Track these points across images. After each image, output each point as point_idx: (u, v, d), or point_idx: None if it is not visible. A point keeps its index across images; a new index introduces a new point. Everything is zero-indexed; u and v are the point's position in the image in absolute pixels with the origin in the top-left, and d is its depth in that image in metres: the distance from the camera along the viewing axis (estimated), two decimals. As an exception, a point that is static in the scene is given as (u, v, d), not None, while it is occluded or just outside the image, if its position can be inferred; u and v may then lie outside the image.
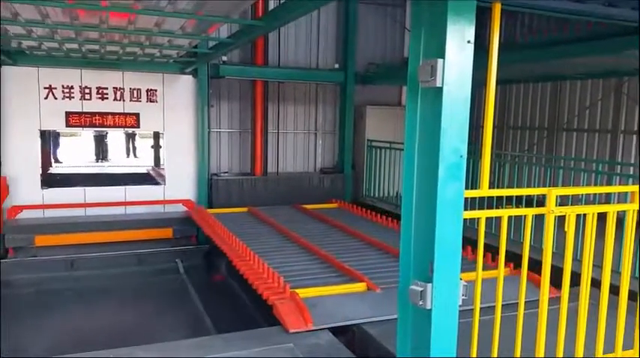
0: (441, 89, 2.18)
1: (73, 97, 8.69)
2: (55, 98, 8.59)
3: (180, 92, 9.38)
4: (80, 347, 4.75)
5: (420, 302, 2.34)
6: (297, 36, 10.33)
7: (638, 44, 5.07)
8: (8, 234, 8.11)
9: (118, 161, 17.92)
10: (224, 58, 9.40)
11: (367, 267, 5.39)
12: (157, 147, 16.05)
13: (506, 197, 6.56)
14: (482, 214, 2.73)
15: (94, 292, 7.17)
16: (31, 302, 6.85)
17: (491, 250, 5.51)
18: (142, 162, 16.18)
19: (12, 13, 5.08)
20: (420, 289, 2.34)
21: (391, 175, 9.55)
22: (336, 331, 3.82)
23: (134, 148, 11.78)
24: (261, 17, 6.76)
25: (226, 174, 10.02)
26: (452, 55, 2.18)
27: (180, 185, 9.54)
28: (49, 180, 9.05)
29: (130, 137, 11.28)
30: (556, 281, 3.06)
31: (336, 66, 10.45)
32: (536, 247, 3.76)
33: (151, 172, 13.92)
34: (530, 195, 6.02)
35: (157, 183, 9.75)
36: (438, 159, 2.20)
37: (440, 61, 2.17)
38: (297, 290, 4.39)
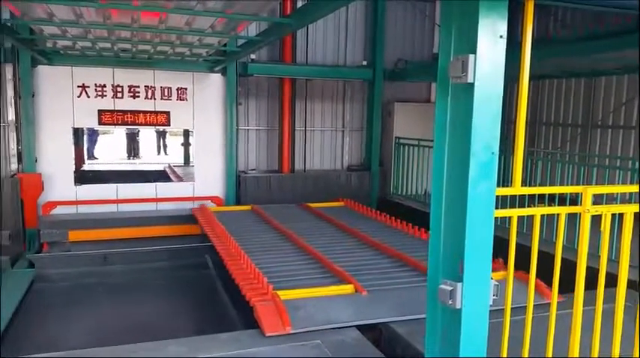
0: (472, 85, 2.14)
1: (106, 96, 8.88)
2: (88, 96, 8.79)
3: (209, 90, 9.48)
4: (109, 339, 4.86)
5: (450, 302, 2.31)
6: (325, 33, 10.32)
7: (638, 43, 4.99)
8: (43, 229, 8.34)
9: (149, 158, 18.26)
10: (252, 56, 9.45)
11: (358, 268, 5.23)
12: (186, 144, 16.32)
13: (538, 195, 6.43)
14: (514, 213, 2.66)
15: (125, 286, 7.31)
16: (65, 295, 7.02)
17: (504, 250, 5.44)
18: (172, 160, 16.47)
19: (47, 13, 5.21)
20: (450, 288, 2.30)
21: (419, 173, 9.46)
22: (363, 329, 3.79)
23: (164, 146, 11.98)
24: (289, 15, 6.77)
25: (254, 172, 10.09)
26: (484, 50, 2.14)
27: (209, 182, 9.66)
28: (82, 177, 9.26)
29: (161, 135, 11.47)
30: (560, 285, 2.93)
31: (364, 63, 10.39)
32: (568, 247, 3.66)
33: (167, 170, 14.17)
34: (562, 194, 5.89)
35: (170, 180, 10.02)
36: (469, 156, 2.16)
37: (471, 56, 2.13)
38: (282, 292, 4.26)
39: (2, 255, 7.73)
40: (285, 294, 4.23)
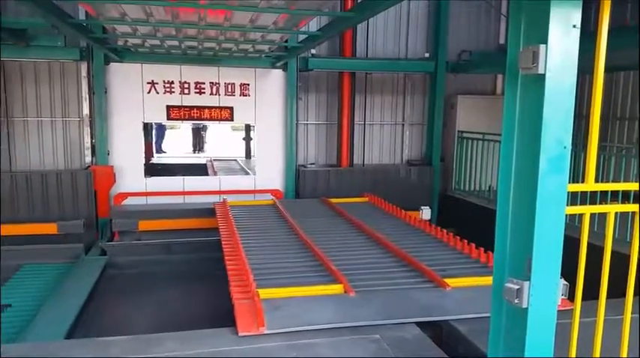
0: (543, 76, 2.06)
1: (174, 92, 9.21)
2: (157, 92, 9.15)
3: (270, 86, 9.63)
4: (170, 325, 5.08)
5: (516, 301, 2.24)
6: (386, 25, 10.21)
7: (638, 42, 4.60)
8: (115, 218, 8.79)
9: (213, 152, 18.87)
10: (313, 51, 9.52)
11: (357, 267, 4.97)
12: (247, 139, 16.75)
13: (612, 192, 6.11)
14: (587, 210, 2.53)
15: (188, 275, 7.57)
16: (133, 282, 7.37)
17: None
18: (235, 154, 16.94)
19: (120, 13, 5.46)
20: (516, 287, 2.24)
21: (483, 168, 9.21)
22: (423, 326, 3.74)
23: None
24: (351, 9, 6.75)
25: (313, 166, 10.18)
26: (556, 40, 2.06)
27: (269, 175, 9.84)
28: (151, 170, 9.67)
29: (224, 130, 11.80)
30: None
31: (426, 55, 10.21)
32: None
33: (207, 163, 14.51)
34: (636, 191, 5.56)
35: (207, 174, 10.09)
36: (540, 150, 2.08)
37: (542, 46, 2.05)
38: (265, 290, 4.10)
39: (77, 242, 8.24)
40: (267, 293, 4.07)
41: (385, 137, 10.66)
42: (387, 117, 10.61)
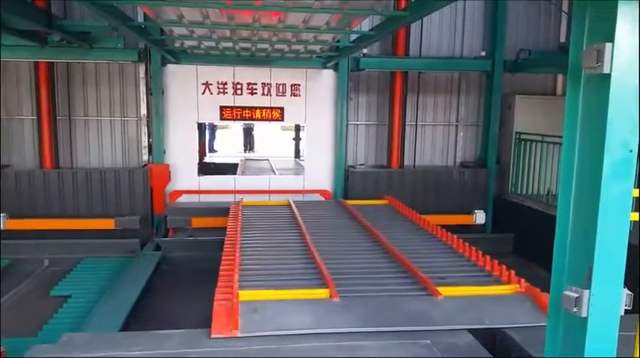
0: (608, 76, 1.97)
1: (227, 92, 9.39)
2: (211, 93, 9.36)
3: (321, 86, 9.66)
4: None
5: (575, 309, 2.16)
6: (441, 23, 10.02)
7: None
8: (170, 215, 9.07)
9: (263, 152, 19.10)
10: (364, 51, 9.47)
11: (350, 271, 4.76)
12: (297, 139, 16.87)
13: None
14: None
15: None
16: (186, 277, 7.54)
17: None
18: (285, 153, 17.10)
19: (177, 15, 5.62)
20: (575, 295, 2.15)
21: (542, 171, 8.90)
22: (476, 333, 3.63)
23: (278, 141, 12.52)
24: (405, 8, 6.67)
25: (362, 167, 10.13)
26: (623, 38, 1.96)
27: (318, 175, 9.87)
28: (204, 168, 9.90)
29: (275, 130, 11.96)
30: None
31: (483, 53, 9.94)
32: None
33: (239, 163, 14.57)
34: None
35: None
36: (603, 153, 1.99)
37: (608, 45, 1.96)
38: (247, 292, 3.99)
39: (133, 238, 8.55)
40: (248, 295, 3.96)
41: (438, 138, 10.48)
42: (440, 117, 10.42)
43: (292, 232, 6.39)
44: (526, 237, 8.76)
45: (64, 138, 9.40)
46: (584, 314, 2.14)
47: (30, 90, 9.17)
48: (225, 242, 5.70)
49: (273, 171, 12.69)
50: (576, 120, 2.13)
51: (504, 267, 4.65)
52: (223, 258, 5.06)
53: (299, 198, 9.57)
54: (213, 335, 3.44)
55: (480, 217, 9.52)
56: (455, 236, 5.87)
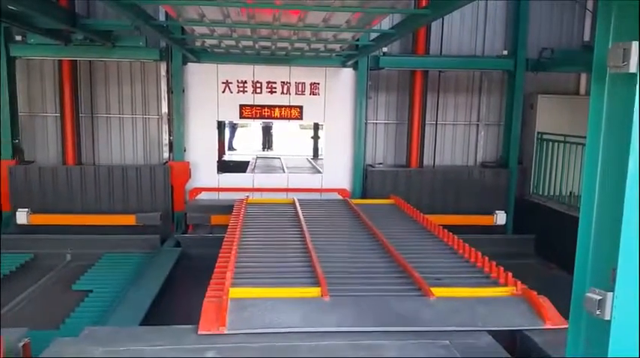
0: (634, 75, 1.92)
1: (246, 91, 9.44)
2: (231, 92, 9.42)
3: (340, 85, 9.65)
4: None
5: (597, 312, 2.12)
6: (462, 21, 9.92)
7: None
8: (189, 212, 9.15)
9: (281, 150, 19.14)
10: (384, 49, 9.42)
11: (345, 270, 4.71)
12: (316, 138, 16.88)
13: None
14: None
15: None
16: (204, 273, 7.59)
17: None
18: (303, 152, 17.12)
19: (199, 14, 5.66)
20: (598, 297, 2.11)
21: (564, 172, 8.77)
22: (497, 335, 3.59)
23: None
24: (426, 6, 6.62)
25: (381, 166, 10.09)
26: (650, 36, 1.92)
27: (336, 174, 9.86)
28: (223, 166, 9.96)
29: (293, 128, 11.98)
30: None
31: (505, 52, 9.79)
32: None
33: (251, 160, 14.53)
34: None
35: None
36: (629, 154, 1.95)
37: (634, 43, 1.91)
38: (238, 290, 3.97)
39: (153, 234, 8.65)
40: (238, 293, 3.93)
41: (458, 137, 10.39)
42: (460, 116, 10.33)
43: (293, 231, 6.34)
44: (547, 239, 8.66)
45: (87, 135, 9.55)
46: (607, 317, 2.09)
47: (54, 88, 9.35)
48: (225, 239, 5.69)
49: (283, 170, 12.71)
50: (601, 121, 2.09)
51: (502, 268, 4.58)
52: (220, 255, 5.05)
53: (316, 196, 9.58)
54: (200, 332, 3.46)
55: (500, 218, 9.42)
56: (456, 236, 5.78)
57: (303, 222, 6.55)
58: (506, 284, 4.33)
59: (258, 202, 8.22)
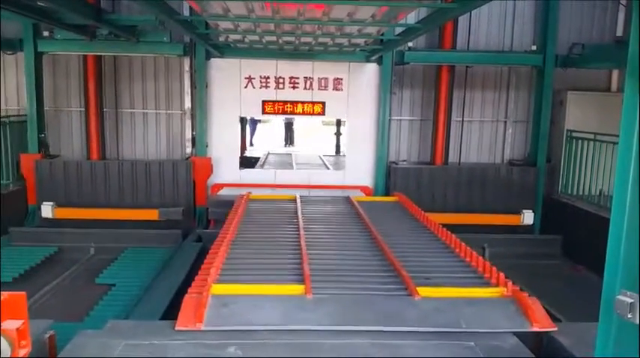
0: (672, 69, 1.82)
1: (269, 87, 9.42)
2: (254, 87, 9.41)
3: (364, 80, 9.56)
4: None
5: (629, 315, 2.02)
6: (490, 15, 9.73)
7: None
8: (211, 207, 9.17)
9: (303, 146, 19.09)
10: (410, 44, 9.28)
11: (332, 268, 4.59)
12: (338, 134, 16.80)
13: None
14: None
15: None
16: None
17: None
18: (325, 148, 17.05)
19: (223, 9, 5.63)
20: (630, 300, 2.01)
21: (594, 171, 8.53)
22: (522, 337, 3.48)
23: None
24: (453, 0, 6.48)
25: (404, 163, 9.96)
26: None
27: (359, 171, 9.78)
28: (245, 162, 9.96)
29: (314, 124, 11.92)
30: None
31: (533, 47, 9.54)
32: None
33: (261, 157, 14.38)
34: None
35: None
36: (664, 152, 1.84)
37: (672, 36, 1.80)
38: (223, 286, 3.91)
39: (175, 228, 8.70)
40: (220, 289, 3.88)
41: (485, 135, 10.19)
42: (487, 113, 10.13)
43: (289, 227, 6.22)
44: (576, 239, 8.44)
45: (111, 130, 9.66)
46: (638, 321, 2.00)
47: (79, 84, 9.48)
48: (219, 235, 5.61)
49: (292, 166, 12.67)
50: (634, 119, 1.99)
51: (495, 268, 4.43)
52: (210, 250, 5.00)
53: (338, 193, 9.50)
54: (177, 328, 3.43)
55: (528, 217, 9.21)
56: (454, 236, 5.60)
57: (300, 219, 6.44)
58: (497, 285, 4.20)
59: (260, 198, 8.14)
